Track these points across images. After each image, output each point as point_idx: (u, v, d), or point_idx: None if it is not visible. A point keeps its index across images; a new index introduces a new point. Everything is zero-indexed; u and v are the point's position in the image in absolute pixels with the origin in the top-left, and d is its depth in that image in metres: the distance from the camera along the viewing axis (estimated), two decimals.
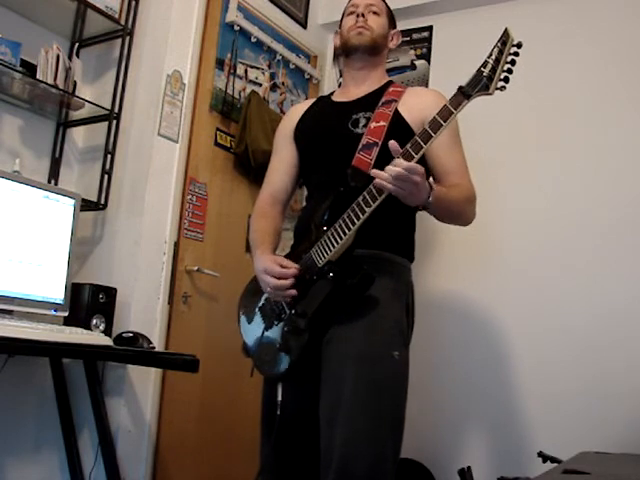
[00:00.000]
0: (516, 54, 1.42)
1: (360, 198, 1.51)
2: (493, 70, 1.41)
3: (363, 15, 1.80)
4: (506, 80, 1.43)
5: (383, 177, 1.43)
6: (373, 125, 1.70)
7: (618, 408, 2.20)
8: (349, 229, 1.53)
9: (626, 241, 2.33)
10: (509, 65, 1.42)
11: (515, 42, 1.42)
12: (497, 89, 1.43)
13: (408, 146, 1.44)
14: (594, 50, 2.50)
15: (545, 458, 1.79)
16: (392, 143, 1.46)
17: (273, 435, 1.65)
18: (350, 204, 1.54)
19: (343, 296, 1.59)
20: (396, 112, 1.72)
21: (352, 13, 1.83)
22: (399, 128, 1.69)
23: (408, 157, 1.43)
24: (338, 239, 1.55)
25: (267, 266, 1.65)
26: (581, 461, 1.49)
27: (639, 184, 2.34)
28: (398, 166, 1.42)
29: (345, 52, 1.84)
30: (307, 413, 1.66)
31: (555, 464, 1.65)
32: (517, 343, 2.46)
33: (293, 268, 1.62)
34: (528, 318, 2.45)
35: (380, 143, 1.66)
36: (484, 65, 1.43)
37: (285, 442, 1.70)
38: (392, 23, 1.90)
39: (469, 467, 2.12)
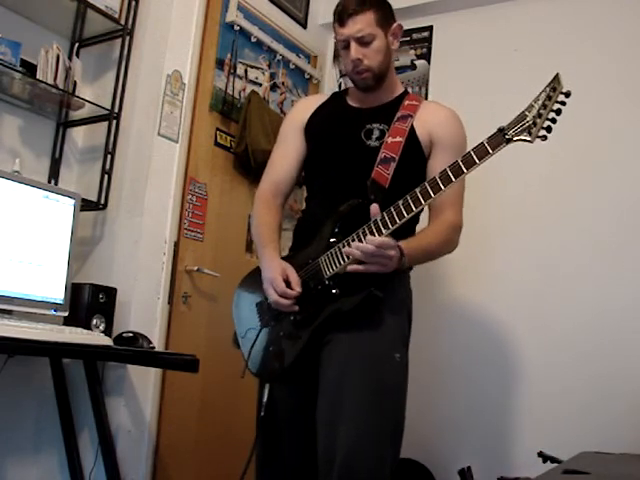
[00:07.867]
0: (563, 103, 1.32)
1: (378, 217, 1.50)
2: (539, 115, 1.33)
3: (359, 59, 1.67)
4: (549, 130, 1.33)
5: (354, 255, 1.48)
6: (390, 140, 1.69)
7: (618, 408, 2.20)
8: None
9: (627, 244, 2.33)
10: (554, 114, 1.33)
11: (564, 90, 1.32)
12: (538, 137, 1.33)
13: (437, 176, 1.44)
14: (596, 49, 2.50)
15: (545, 458, 1.79)
16: (373, 207, 1.50)
17: (259, 435, 1.67)
18: (360, 216, 1.54)
19: (347, 315, 1.59)
20: (411, 129, 1.71)
21: (345, 48, 1.70)
22: (413, 145, 1.70)
23: (435, 186, 1.44)
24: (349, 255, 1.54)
25: (274, 278, 1.63)
26: (581, 461, 1.49)
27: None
28: (370, 243, 1.44)
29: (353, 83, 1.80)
30: (299, 412, 1.66)
31: (555, 464, 1.65)
32: (517, 344, 2.46)
33: (296, 291, 1.61)
34: (528, 319, 2.45)
35: (397, 159, 1.66)
36: (529, 109, 1.34)
37: (277, 442, 1.70)
38: (387, 21, 1.71)
39: (469, 467, 2.13)
